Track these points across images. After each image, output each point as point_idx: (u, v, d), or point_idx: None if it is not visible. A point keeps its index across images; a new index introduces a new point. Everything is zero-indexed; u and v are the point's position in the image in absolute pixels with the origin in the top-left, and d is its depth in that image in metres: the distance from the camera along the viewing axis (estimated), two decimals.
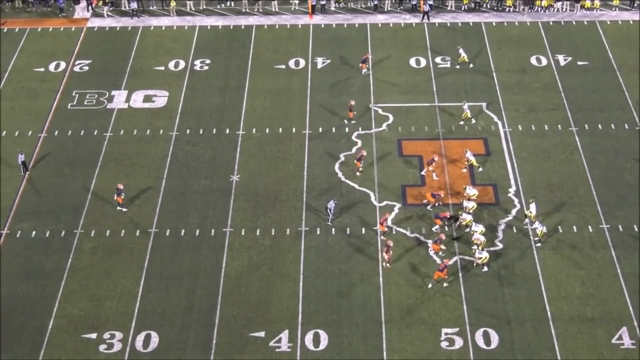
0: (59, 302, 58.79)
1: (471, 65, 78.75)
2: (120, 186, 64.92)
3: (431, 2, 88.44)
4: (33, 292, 59.50)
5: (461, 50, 79.00)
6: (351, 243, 62.50)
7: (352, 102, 73.41)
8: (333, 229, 62.70)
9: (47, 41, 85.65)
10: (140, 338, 56.31)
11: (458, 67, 78.50)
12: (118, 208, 65.04)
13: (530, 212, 63.00)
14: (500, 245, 61.94)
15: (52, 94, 77.93)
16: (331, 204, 63.12)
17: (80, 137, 72.82)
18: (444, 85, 77.82)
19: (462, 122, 72.51)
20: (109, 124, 74.21)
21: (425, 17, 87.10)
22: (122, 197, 64.84)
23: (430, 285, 58.50)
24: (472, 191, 64.21)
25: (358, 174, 67.95)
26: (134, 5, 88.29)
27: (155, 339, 56.25)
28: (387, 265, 59.84)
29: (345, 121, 73.28)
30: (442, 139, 71.49)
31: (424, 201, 64.44)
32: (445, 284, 58.56)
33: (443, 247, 61.12)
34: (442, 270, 58.32)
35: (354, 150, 70.40)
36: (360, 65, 78.11)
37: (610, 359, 54.14)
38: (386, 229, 61.80)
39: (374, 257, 61.26)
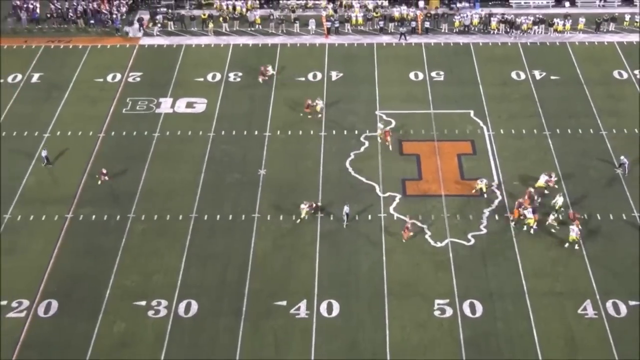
0: (114, 276, 58.97)
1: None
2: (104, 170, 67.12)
3: (428, 25, 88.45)
4: (93, 267, 59.68)
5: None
6: (359, 228, 62.45)
7: (309, 101, 74.79)
8: (345, 216, 62.63)
9: (105, 56, 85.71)
10: (182, 305, 56.45)
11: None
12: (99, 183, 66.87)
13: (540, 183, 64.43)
14: (485, 230, 61.86)
15: (110, 101, 77.97)
16: (347, 209, 62.66)
17: (133, 137, 72.90)
18: (438, 95, 77.61)
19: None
20: (157, 126, 74.25)
21: (403, 37, 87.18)
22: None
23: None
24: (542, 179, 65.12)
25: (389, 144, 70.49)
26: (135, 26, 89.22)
27: (194, 306, 56.41)
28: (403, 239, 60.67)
29: (309, 116, 74.47)
30: (436, 141, 71.32)
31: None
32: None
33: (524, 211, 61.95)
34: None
35: (362, 149, 70.37)
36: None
37: (577, 326, 54.19)
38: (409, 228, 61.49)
39: (378, 240, 61.22)
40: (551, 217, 61.44)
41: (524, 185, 65.17)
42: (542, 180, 64.74)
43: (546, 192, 64.41)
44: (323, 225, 62.61)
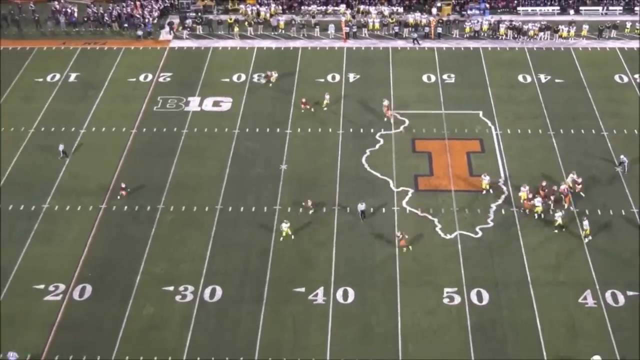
0: (144, 263, 59.13)
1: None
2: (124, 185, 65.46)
3: (440, 31, 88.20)
4: (124, 255, 59.86)
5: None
6: (374, 220, 62.37)
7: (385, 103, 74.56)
8: (360, 206, 62.52)
9: (138, 58, 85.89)
10: (208, 291, 56.57)
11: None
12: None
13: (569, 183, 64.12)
14: (492, 224, 61.69)
15: (142, 99, 78.12)
16: (362, 207, 62.37)
17: (163, 134, 72.99)
18: (449, 97, 77.39)
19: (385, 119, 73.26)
20: (186, 123, 74.31)
21: (416, 42, 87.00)
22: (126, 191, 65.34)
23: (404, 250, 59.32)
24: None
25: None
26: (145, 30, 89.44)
27: (219, 292, 56.52)
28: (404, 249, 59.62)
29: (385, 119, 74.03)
30: (447, 139, 71.15)
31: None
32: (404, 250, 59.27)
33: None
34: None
35: (377, 147, 70.27)
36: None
37: (577, 315, 54.00)
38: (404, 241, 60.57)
39: (391, 231, 61.11)
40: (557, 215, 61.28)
41: (531, 183, 64.84)
42: (569, 179, 64.35)
43: (571, 191, 64.14)
44: (340, 217, 62.53)
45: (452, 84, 79.72)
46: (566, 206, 62.75)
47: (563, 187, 63.99)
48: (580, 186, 63.70)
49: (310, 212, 62.32)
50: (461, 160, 68.67)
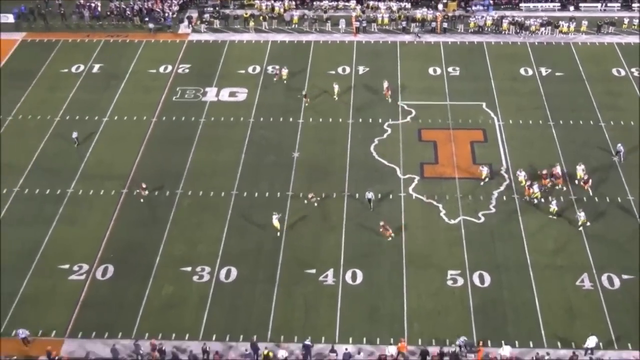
0: (164, 244, 59.42)
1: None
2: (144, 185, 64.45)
3: (446, 26, 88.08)
4: (144, 237, 60.18)
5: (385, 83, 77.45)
6: (381, 205, 62.52)
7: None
8: (368, 194, 62.67)
9: (158, 50, 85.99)
10: (223, 272, 56.86)
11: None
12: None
13: (580, 174, 63.90)
14: (494, 210, 61.78)
15: (161, 90, 78.26)
16: (370, 195, 62.36)
17: (182, 122, 73.16)
18: (453, 89, 77.32)
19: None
20: (203, 112, 74.45)
21: (417, 36, 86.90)
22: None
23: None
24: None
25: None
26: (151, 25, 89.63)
27: (234, 272, 56.79)
28: (392, 235, 59.47)
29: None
30: (452, 129, 71.13)
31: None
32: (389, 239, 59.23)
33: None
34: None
35: (385, 136, 70.34)
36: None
37: (574, 297, 54.16)
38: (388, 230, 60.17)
39: (398, 216, 61.28)
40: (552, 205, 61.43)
41: (532, 171, 64.84)
42: (579, 170, 64.23)
43: (575, 182, 64.02)
44: (349, 203, 62.67)
45: (457, 77, 79.61)
46: (560, 186, 63.04)
47: (557, 169, 64.01)
48: (587, 184, 63.21)
49: (315, 204, 62.15)
50: (465, 149, 68.66)
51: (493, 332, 51.87)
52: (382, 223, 59.29)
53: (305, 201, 62.40)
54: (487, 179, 64.37)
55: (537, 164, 65.77)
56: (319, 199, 62.50)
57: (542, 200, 62.12)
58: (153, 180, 65.34)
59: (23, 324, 52.78)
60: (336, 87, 75.70)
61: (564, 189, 63.44)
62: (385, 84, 75.32)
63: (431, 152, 68.45)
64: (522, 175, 63.81)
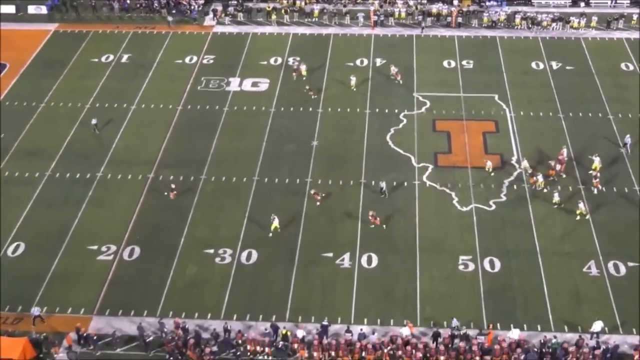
0: (187, 228, 59.45)
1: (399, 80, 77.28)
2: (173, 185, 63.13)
3: (460, 20, 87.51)
4: (169, 220, 60.20)
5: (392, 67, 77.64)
6: (396, 193, 62.30)
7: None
8: (383, 182, 62.46)
9: (184, 41, 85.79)
10: (244, 254, 56.85)
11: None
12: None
13: (595, 165, 63.22)
14: (504, 198, 61.44)
15: (187, 79, 78.17)
16: (383, 185, 61.96)
17: (206, 111, 73.08)
18: (467, 81, 76.81)
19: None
20: (226, 102, 74.33)
21: (422, 30, 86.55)
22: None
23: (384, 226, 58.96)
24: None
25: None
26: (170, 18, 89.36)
27: (255, 255, 56.77)
28: (381, 225, 59.11)
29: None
30: (465, 120, 70.74)
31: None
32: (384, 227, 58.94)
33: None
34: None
35: (401, 126, 70.06)
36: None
37: (581, 283, 53.85)
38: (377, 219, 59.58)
39: (412, 203, 61.08)
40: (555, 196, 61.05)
41: (542, 161, 64.40)
42: (596, 161, 63.58)
43: (591, 172, 63.24)
44: (365, 190, 62.46)
45: (471, 70, 79.07)
46: (562, 173, 63.05)
47: (564, 152, 63.88)
48: (597, 180, 62.28)
49: (318, 203, 61.21)
50: (477, 139, 68.26)
51: (502, 316, 51.59)
52: (371, 213, 59.00)
53: (314, 195, 61.56)
54: (491, 172, 63.73)
55: (546, 155, 65.25)
56: (323, 194, 61.59)
57: (547, 188, 61.68)
58: (178, 166, 65.39)
59: (53, 302, 53.12)
60: (353, 79, 75.33)
61: (564, 176, 63.04)
62: (394, 68, 75.88)
63: (445, 142, 68.11)
64: (523, 164, 63.50)
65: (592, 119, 70.56)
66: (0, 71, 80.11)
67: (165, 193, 61.79)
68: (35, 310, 51.68)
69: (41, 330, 50.73)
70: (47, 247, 57.88)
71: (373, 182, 62.89)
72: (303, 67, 77.93)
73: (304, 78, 77.04)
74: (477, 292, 53.39)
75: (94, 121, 70.12)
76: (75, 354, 48.99)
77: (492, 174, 63.77)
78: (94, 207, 61.66)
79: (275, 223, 58.49)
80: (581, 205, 59.26)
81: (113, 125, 70.87)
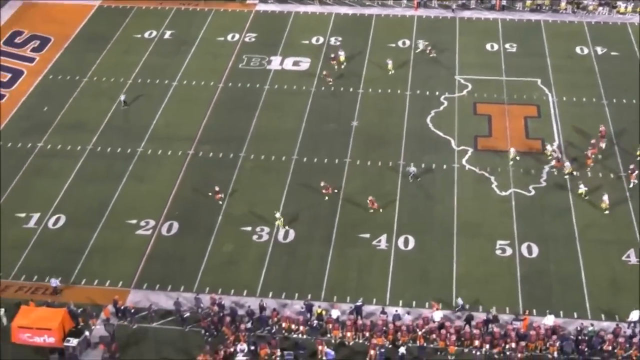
0: (226, 205, 59.62)
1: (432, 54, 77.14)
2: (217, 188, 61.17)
3: (505, 3, 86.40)
4: (208, 196, 60.41)
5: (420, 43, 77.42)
6: (435, 175, 62.01)
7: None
8: (422, 164, 62.14)
9: (227, 19, 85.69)
10: (282, 233, 56.93)
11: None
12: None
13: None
14: (544, 184, 60.81)
15: (228, 57, 78.20)
16: (412, 169, 61.49)
17: (247, 89, 73.07)
18: (510, 65, 75.92)
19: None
20: (267, 80, 74.26)
21: (453, 11, 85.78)
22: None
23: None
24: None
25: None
26: None
27: (292, 233, 56.84)
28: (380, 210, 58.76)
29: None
30: (506, 104, 70.05)
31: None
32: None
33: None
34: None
35: (441, 108, 69.58)
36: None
37: (620, 271, 53.23)
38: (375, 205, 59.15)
39: (451, 186, 60.75)
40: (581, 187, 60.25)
41: (583, 146, 63.66)
42: None
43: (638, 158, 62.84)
44: (404, 171, 62.14)
45: (514, 53, 78.12)
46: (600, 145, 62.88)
47: (603, 128, 63.88)
48: (633, 174, 61.08)
49: (326, 197, 60.05)
50: (518, 123, 67.61)
51: (539, 302, 51.17)
52: (370, 198, 58.57)
53: (323, 190, 60.32)
54: (512, 161, 62.88)
55: (588, 141, 64.35)
56: (335, 191, 60.41)
57: (576, 174, 61.19)
58: (218, 143, 65.58)
59: (92, 275, 53.77)
60: (390, 62, 74.69)
61: (600, 156, 62.59)
62: (423, 43, 76.37)
63: (485, 126, 67.54)
64: (554, 147, 63.10)
65: (636, 106, 69.38)
66: (45, 45, 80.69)
67: (210, 194, 60.28)
68: (53, 282, 52.24)
69: (78, 303, 51.24)
70: (87, 220, 58.44)
71: (412, 164, 62.50)
72: (342, 54, 76.96)
73: (343, 66, 76.14)
74: (513, 277, 53.01)
75: (122, 97, 70.44)
76: (113, 326, 49.46)
77: (512, 162, 62.94)
78: (134, 181, 62.10)
79: (280, 222, 57.54)
80: (605, 197, 58.32)
81: (154, 101, 71.16)
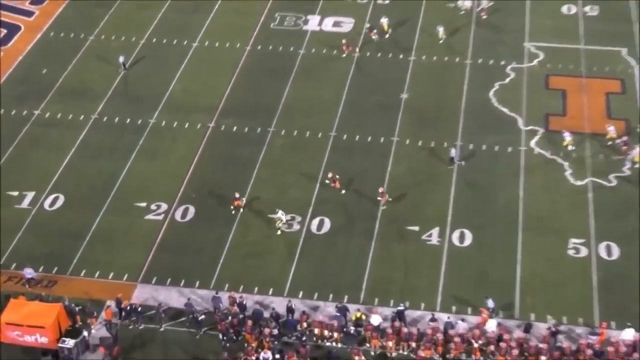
0: (251, 187, 59.34)
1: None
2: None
3: None
4: (230, 177, 60.16)
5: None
6: (498, 159, 61.24)
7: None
8: (483, 146, 61.22)
9: None
10: (315, 222, 56.60)
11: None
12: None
13: None
14: (628, 173, 59.78)
15: (258, 15, 77.90)
16: (455, 151, 60.72)
17: (278, 53, 72.78)
18: (589, 31, 74.73)
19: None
20: (303, 43, 73.84)
21: None
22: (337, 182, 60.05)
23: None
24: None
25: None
26: None
27: (327, 223, 56.42)
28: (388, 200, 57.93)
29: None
30: (584, 77, 68.92)
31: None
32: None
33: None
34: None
35: (507, 80, 68.57)
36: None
37: None
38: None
39: (517, 172, 59.94)
40: None
41: None
42: None
43: None
44: (462, 154, 61.18)
45: (594, 17, 76.92)
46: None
47: None
48: None
49: (343, 191, 58.95)
50: (599, 101, 66.72)
51: (617, 313, 50.09)
52: (381, 190, 57.86)
53: (327, 181, 59.42)
54: (615, 140, 61.74)
55: None
56: (338, 186, 59.00)
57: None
58: (243, 115, 65.29)
59: (93, 265, 53.66)
60: (441, 30, 73.49)
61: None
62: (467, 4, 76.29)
63: (559, 102, 66.76)
64: (612, 131, 62.12)
65: None
66: None
67: (232, 208, 57.92)
68: (28, 273, 51.95)
69: (75, 296, 50.99)
70: (90, 201, 58.35)
71: (472, 146, 61.58)
72: (384, 21, 75.42)
73: (387, 35, 74.85)
74: (589, 283, 52.07)
75: (121, 58, 70.06)
76: (116, 326, 49.24)
77: (615, 141, 61.95)
78: (145, 158, 62.00)
79: (281, 221, 56.33)
80: None
81: (171, 64, 70.75)
